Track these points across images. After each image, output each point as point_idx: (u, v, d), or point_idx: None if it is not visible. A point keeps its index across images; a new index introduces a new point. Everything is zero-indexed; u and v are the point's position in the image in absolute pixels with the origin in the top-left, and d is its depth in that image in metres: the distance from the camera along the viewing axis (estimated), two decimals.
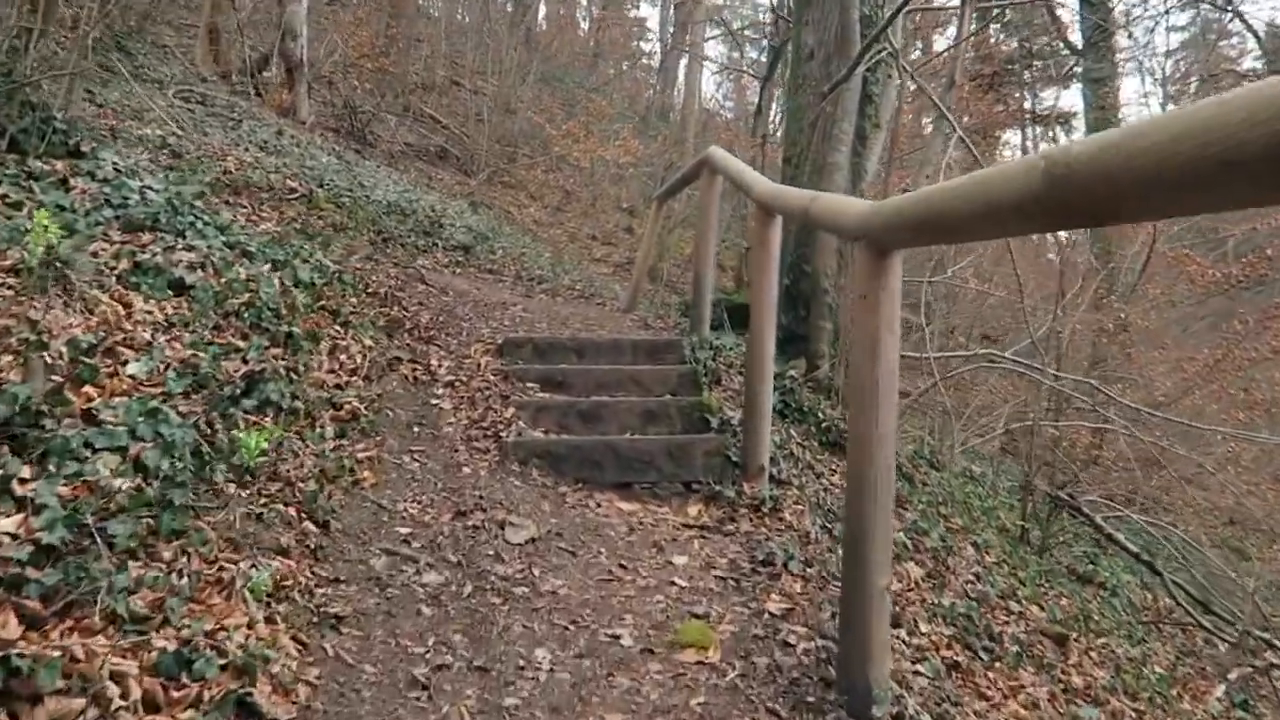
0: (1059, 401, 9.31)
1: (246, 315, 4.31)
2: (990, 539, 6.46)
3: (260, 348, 4.08)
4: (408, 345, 5.69)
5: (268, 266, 4.99)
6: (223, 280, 4.43)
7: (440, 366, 5.58)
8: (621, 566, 3.73)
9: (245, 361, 3.90)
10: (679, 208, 13.86)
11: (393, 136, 15.78)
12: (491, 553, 3.62)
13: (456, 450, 4.62)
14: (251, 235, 5.34)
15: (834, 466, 5.77)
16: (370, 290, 6.22)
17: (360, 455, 4.09)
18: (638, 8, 39.35)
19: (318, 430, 3.96)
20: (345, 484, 3.78)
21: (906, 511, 5.52)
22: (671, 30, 32.84)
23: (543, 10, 31.22)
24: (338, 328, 5.16)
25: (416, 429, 4.74)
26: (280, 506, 3.27)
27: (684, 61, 30.29)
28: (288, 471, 3.47)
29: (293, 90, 13.88)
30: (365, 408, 4.46)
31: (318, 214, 8.96)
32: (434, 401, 5.14)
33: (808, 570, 3.88)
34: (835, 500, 4.97)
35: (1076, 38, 20.80)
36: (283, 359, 4.21)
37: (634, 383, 5.57)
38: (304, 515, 3.33)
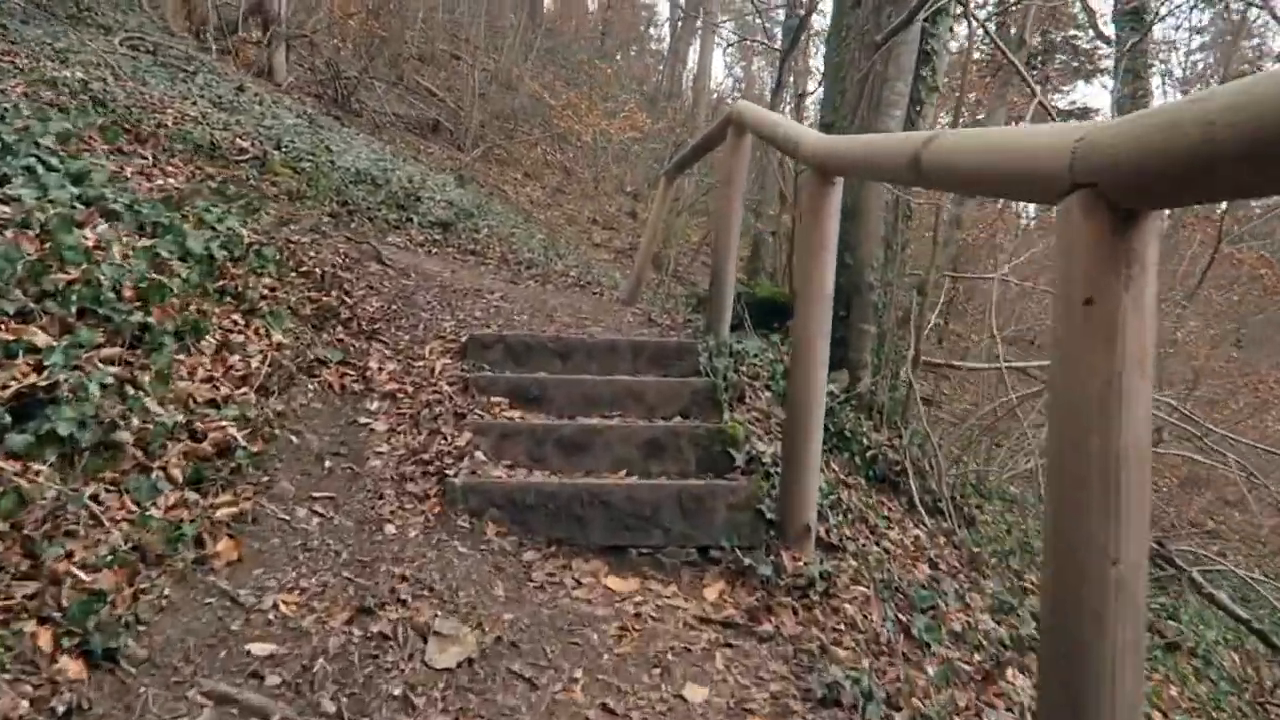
0: None
1: (75, 297, 2.91)
2: None
3: (79, 347, 2.68)
4: (339, 342, 4.29)
5: (124, 230, 3.59)
6: (47, 246, 3.02)
7: (380, 371, 4.19)
8: (606, 711, 2.34)
9: (40, 370, 2.50)
10: (688, 189, 12.44)
11: (380, 105, 14.34)
12: (398, 692, 2.22)
13: (382, 497, 3.22)
14: (126, 190, 3.93)
15: (889, 513, 4.39)
16: (303, 269, 4.82)
17: (221, 513, 2.69)
18: None
19: (152, 476, 2.57)
20: (180, 566, 2.39)
21: (987, 580, 4.14)
22: (681, 15, 31.31)
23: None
24: (237, 317, 3.76)
25: (329, 463, 3.35)
26: (28, 627, 1.89)
27: (695, 43, 28.90)
28: (60, 559, 2.07)
29: (268, 49, 12.46)
30: (249, 435, 3.07)
31: (270, 179, 7.56)
32: (363, 420, 3.74)
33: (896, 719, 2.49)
34: (903, 572, 3.58)
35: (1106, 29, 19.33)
36: (121, 364, 2.81)
37: (634, 399, 4.17)
38: (68, 642, 1.94)
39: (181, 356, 3.23)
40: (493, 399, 4.02)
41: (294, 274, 4.70)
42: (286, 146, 7.95)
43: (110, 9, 10.23)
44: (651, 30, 39.15)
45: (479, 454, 3.56)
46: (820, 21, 12.59)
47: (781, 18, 20.80)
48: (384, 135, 13.03)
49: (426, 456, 3.48)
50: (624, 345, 4.62)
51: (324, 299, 4.54)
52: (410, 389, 4.09)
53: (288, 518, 2.89)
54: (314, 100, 12.84)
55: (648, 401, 4.17)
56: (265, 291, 4.12)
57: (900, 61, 5.75)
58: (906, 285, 6.13)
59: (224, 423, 2.99)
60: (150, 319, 3.06)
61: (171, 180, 4.90)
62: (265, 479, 3.04)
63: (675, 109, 20.59)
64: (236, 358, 3.45)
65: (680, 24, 30.37)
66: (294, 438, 3.37)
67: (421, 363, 4.38)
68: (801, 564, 3.19)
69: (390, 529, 3.02)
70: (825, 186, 3.35)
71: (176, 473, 2.66)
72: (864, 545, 3.60)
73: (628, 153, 18.26)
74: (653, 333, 5.47)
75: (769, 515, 3.36)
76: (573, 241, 12.16)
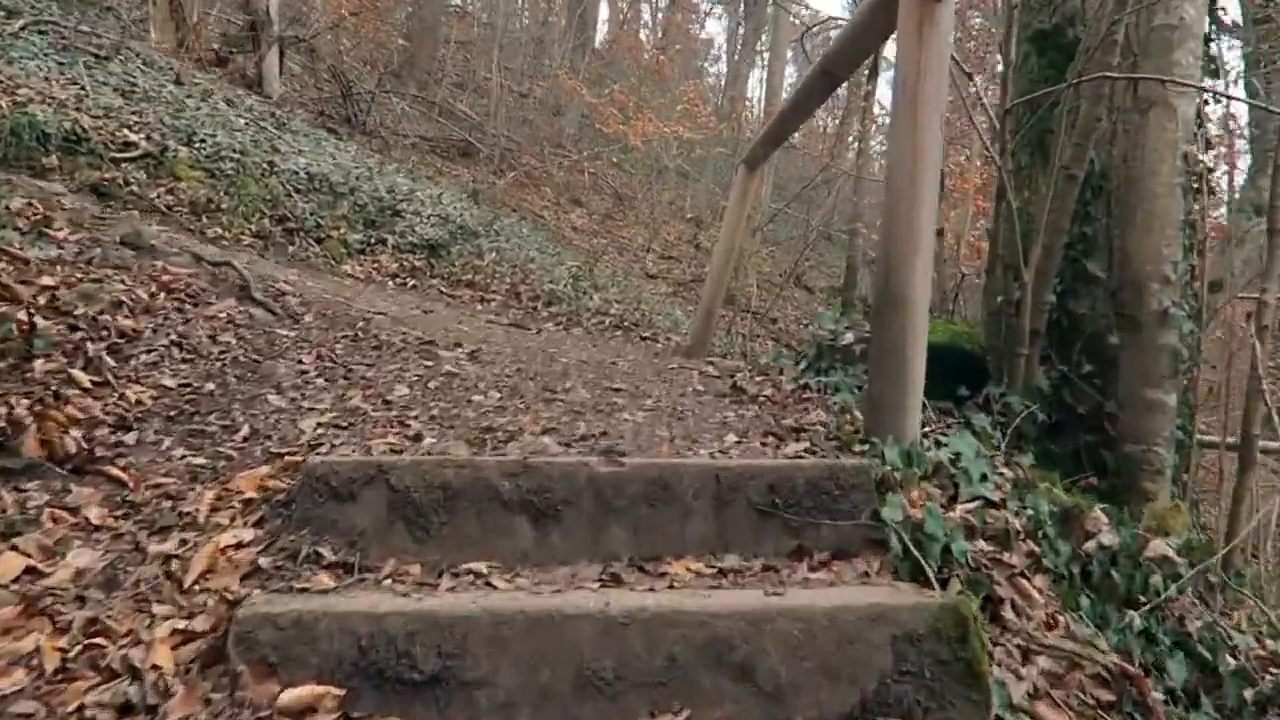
0: None
1: None
2: None
3: None
4: None
5: None
6: None
7: (28, 582, 1.45)
8: None
9: None
10: (756, 207, 9.64)
11: (399, 124, 11.90)
12: None
13: None
14: None
15: None
16: None
17: None
18: (703, 28, 35.04)
19: None
20: None
21: None
22: (740, 44, 28.62)
23: (602, 32, 27.20)
24: None
25: None
26: None
27: (758, 69, 26.34)
28: None
29: (257, 54, 10.07)
30: None
31: (167, 184, 4.98)
32: None
33: None
34: None
35: None
36: None
37: (729, 674, 1.36)
38: None
39: None
40: (285, 697, 1.25)
41: None
42: (204, 143, 5.36)
43: (61, 10, 7.87)
44: (708, 65, 36.41)
45: None
46: None
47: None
48: (394, 154, 10.50)
49: None
50: (692, 480, 1.79)
51: None
52: (65, 658, 1.33)
53: None
54: (314, 116, 10.42)
55: (765, 677, 1.35)
56: None
57: None
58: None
59: None
60: None
61: None
62: None
63: (744, 117, 17.83)
64: None
65: (740, 48, 27.75)
66: None
67: (174, 545, 1.63)
68: None
69: None
70: None
71: None
72: None
73: (687, 177, 15.55)
74: (746, 425, 2.63)
75: None
76: (621, 272, 9.41)
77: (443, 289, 5.41)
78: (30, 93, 4.90)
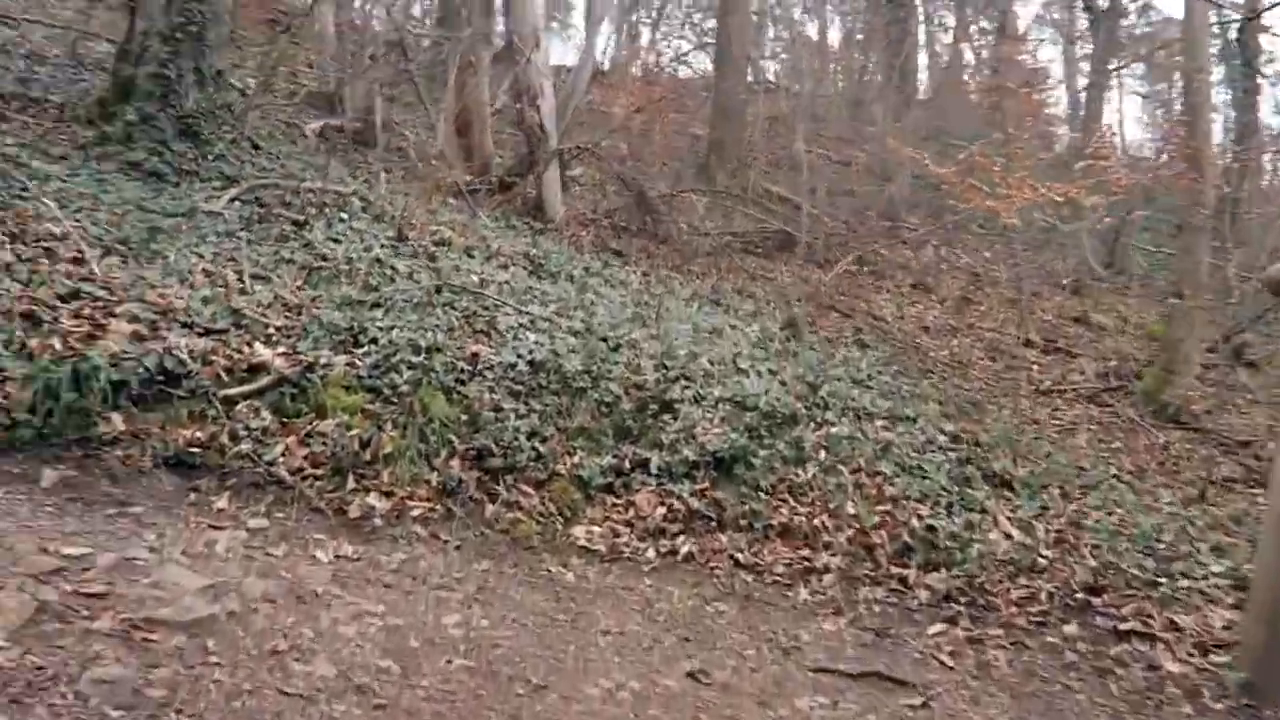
0: None
1: None
2: None
3: None
4: None
5: None
6: None
7: None
8: None
9: None
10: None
11: (702, 223, 9.94)
12: None
13: None
14: None
15: None
16: None
17: None
18: (1036, 57, 30.06)
19: None
20: None
21: None
22: (1090, 66, 23.92)
23: (924, 82, 23.80)
24: None
25: None
26: None
27: (1114, 89, 21.67)
28: None
29: (535, 176, 8.57)
30: None
31: (305, 426, 3.09)
32: None
33: None
34: None
35: None
36: None
37: None
38: None
39: None
40: None
41: None
42: (374, 345, 3.46)
43: (290, 152, 6.75)
44: (1046, 95, 31.17)
45: None
46: None
47: None
48: (692, 267, 8.43)
49: None
50: None
51: None
52: None
53: None
54: (600, 236, 8.69)
55: None
56: None
57: None
58: None
59: None
60: None
61: None
62: None
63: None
64: None
65: (1091, 71, 23.12)
66: None
67: None
68: None
69: None
70: None
71: None
72: None
73: (1049, 235, 12.05)
74: None
75: None
76: (1007, 401, 6.46)
77: (738, 557, 3.02)
78: (136, 309, 3.27)
